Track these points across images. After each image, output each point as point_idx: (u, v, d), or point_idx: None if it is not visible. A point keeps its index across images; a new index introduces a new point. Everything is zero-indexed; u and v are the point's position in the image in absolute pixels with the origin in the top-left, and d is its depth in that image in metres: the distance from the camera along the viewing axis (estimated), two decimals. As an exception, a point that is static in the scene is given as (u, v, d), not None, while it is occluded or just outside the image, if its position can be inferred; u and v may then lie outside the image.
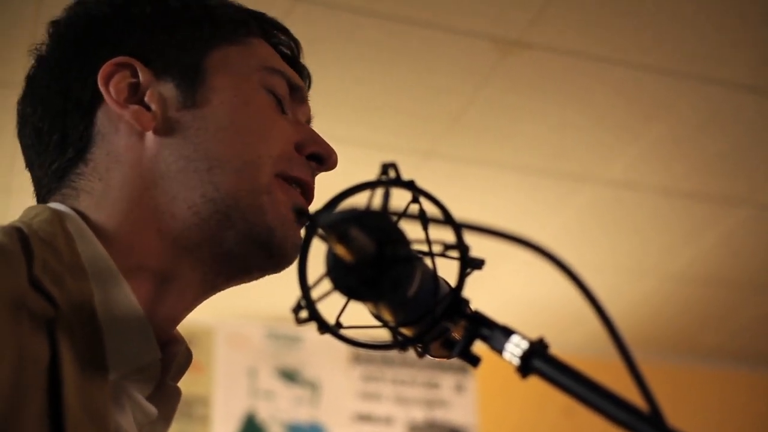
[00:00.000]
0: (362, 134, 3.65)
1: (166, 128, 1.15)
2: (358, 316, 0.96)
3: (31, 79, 1.23)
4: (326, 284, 0.86)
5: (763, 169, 4.09)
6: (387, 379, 5.22)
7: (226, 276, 1.18)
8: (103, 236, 1.10)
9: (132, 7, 1.22)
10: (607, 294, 4.85)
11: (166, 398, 1.14)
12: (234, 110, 1.17)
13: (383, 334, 0.92)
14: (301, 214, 0.84)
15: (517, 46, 3.25)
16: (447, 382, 5.32)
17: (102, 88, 1.16)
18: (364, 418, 5.11)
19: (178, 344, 1.17)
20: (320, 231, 0.84)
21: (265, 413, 4.92)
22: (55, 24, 1.23)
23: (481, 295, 4.69)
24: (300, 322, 0.85)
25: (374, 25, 3.11)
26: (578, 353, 3.68)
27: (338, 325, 0.91)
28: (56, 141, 1.17)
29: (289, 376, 5.05)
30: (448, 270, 0.93)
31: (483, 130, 3.70)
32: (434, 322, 0.89)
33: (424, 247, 0.91)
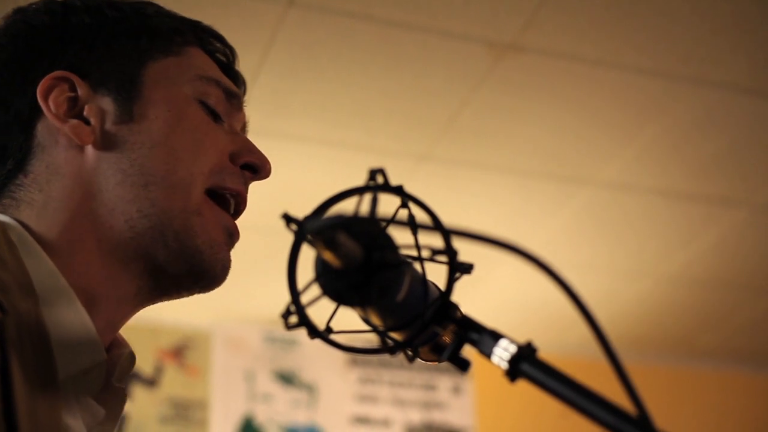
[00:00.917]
0: (357, 138, 3.66)
1: (104, 142, 1.17)
2: (349, 320, 0.96)
3: None
4: (316, 290, 0.86)
5: (759, 170, 4.10)
6: (384, 382, 5.22)
7: (159, 291, 1.20)
8: (45, 245, 1.12)
9: (70, 17, 1.23)
10: (604, 296, 4.86)
11: (113, 399, 1.16)
12: (168, 125, 1.19)
13: (374, 338, 0.93)
14: (290, 220, 0.85)
15: (510, 50, 3.25)
16: (444, 384, 5.33)
17: (41, 102, 1.18)
18: (362, 420, 5.11)
19: (121, 347, 1.20)
20: (309, 237, 0.84)
21: (263, 416, 4.92)
22: None
23: (476, 298, 4.71)
24: (289, 327, 0.86)
25: (368, 29, 3.12)
26: (573, 355, 3.69)
27: (328, 330, 0.92)
28: None
29: (287, 379, 5.05)
30: (438, 275, 0.93)
31: (478, 133, 3.70)
32: (423, 326, 0.90)
33: (413, 252, 0.91)
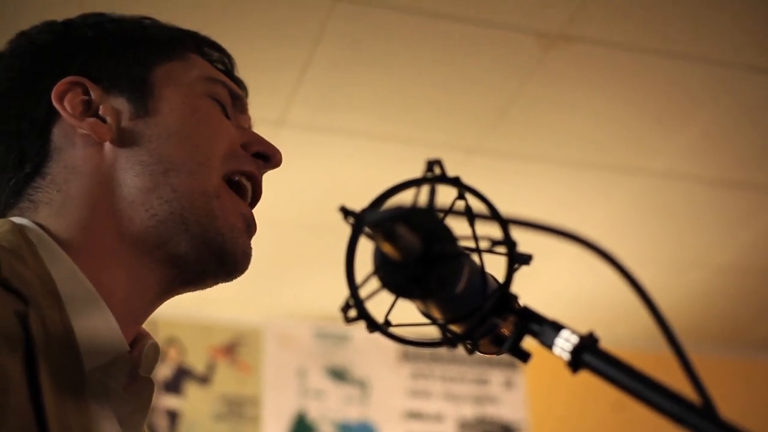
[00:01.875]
0: (407, 132, 3.65)
1: (121, 138, 1.22)
2: (407, 313, 0.96)
3: None
4: (374, 283, 0.86)
5: (810, 158, 4.06)
6: (436, 377, 5.22)
7: (181, 281, 1.23)
8: (65, 243, 1.16)
9: (73, 32, 1.29)
10: (653, 287, 4.77)
11: (141, 390, 1.18)
12: (183, 116, 1.24)
13: (432, 332, 0.92)
14: (348, 213, 0.85)
15: (560, 40, 3.24)
16: (496, 378, 5.32)
17: (57, 105, 1.22)
18: (414, 415, 5.11)
19: (145, 339, 1.22)
20: (367, 229, 0.84)
21: (315, 412, 4.94)
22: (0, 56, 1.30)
23: (531, 290, 4.69)
24: (349, 321, 0.85)
25: (417, 22, 3.11)
26: (628, 347, 3.66)
27: (387, 323, 0.92)
28: (14, 159, 1.23)
29: (339, 375, 5.06)
30: (496, 266, 0.93)
31: (528, 125, 3.69)
32: (483, 318, 0.89)
33: (471, 244, 0.91)
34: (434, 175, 0.88)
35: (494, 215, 0.87)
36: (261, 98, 3.24)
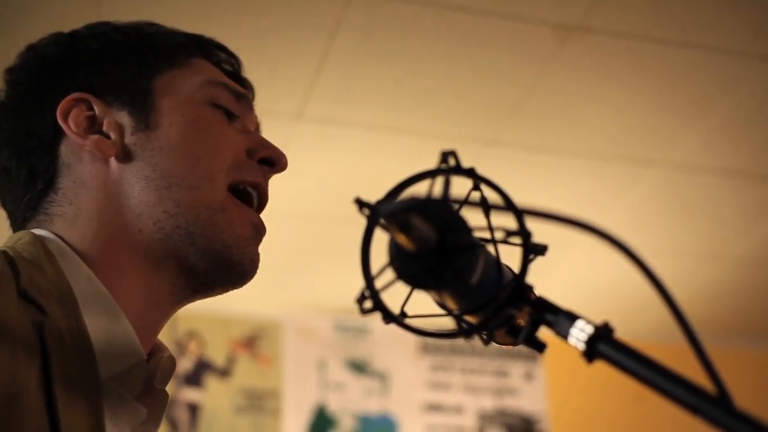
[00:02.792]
0: (424, 124, 3.65)
1: (125, 153, 1.24)
2: (423, 304, 0.96)
3: None
4: (390, 274, 0.86)
5: (832, 147, 4.04)
6: (456, 369, 5.22)
7: (192, 289, 1.24)
8: (81, 253, 1.18)
9: (78, 45, 1.31)
10: (675, 279, 4.81)
11: (155, 401, 1.20)
12: (183, 129, 1.25)
13: (448, 323, 0.92)
14: (363, 205, 0.85)
15: (576, 32, 3.23)
16: (516, 370, 5.32)
17: (62, 124, 1.25)
18: (435, 407, 5.12)
19: (161, 351, 1.24)
20: (382, 221, 0.84)
21: (335, 405, 4.95)
22: (10, 71, 1.32)
23: (548, 281, 4.68)
24: (364, 312, 0.86)
25: (433, 14, 3.11)
26: (645, 338, 3.65)
27: (403, 314, 0.92)
28: (24, 176, 1.26)
29: (359, 367, 5.06)
30: (512, 257, 0.93)
31: (545, 116, 3.68)
32: (498, 308, 0.89)
33: (487, 235, 0.91)
34: (449, 166, 0.88)
35: (509, 206, 0.87)
36: (279, 92, 3.25)
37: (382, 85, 3.43)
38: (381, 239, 0.86)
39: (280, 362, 4.92)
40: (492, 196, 0.89)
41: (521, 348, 0.94)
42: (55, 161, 1.25)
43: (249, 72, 1.42)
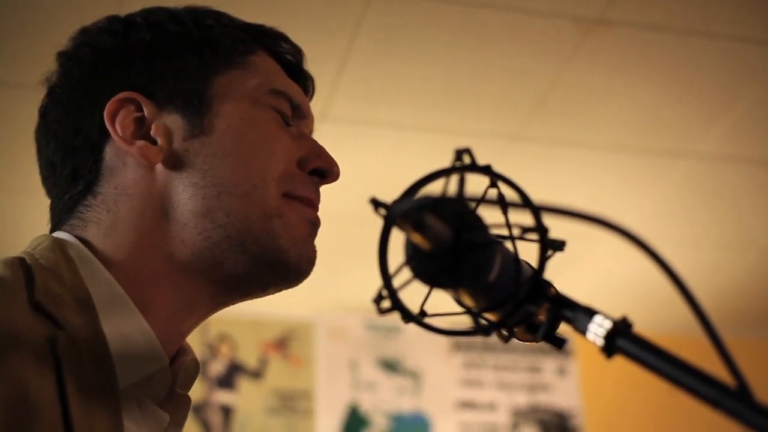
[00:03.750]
0: (447, 121, 3.65)
1: (173, 159, 1.19)
2: (444, 302, 0.96)
3: (44, 113, 1.28)
4: (407, 273, 0.86)
5: None
6: (488, 366, 5.22)
7: (240, 293, 1.22)
8: (110, 263, 1.14)
9: (132, 35, 1.25)
10: (706, 270, 4.79)
11: (177, 406, 1.18)
12: (240, 134, 1.21)
13: (468, 320, 0.92)
14: (378, 205, 0.85)
15: (598, 24, 3.22)
16: (549, 366, 5.31)
17: (108, 126, 1.20)
18: (468, 405, 5.12)
19: (186, 354, 1.21)
20: (397, 220, 0.84)
21: (368, 404, 4.95)
22: (62, 55, 1.27)
23: (571, 277, 4.67)
24: (382, 312, 0.86)
25: (454, 11, 3.11)
26: (670, 332, 3.64)
27: (422, 313, 0.91)
28: (68, 174, 1.22)
29: (391, 366, 5.07)
30: (531, 254, 0.93)
31: (569, 110, 3.67)
32: (517, 305, 0.89)
33: (504, 232, 0.90)
34: (464, 164, 0.88)
35: (525, 202, 0.87)
36: (302, 93, 3.25)
37: (404, 84, 3.43)
38: (399, 238, 0.86)
39: (311, 363, 4.93)
40: (510, 193, 0.89)
41: (554, 344, 0.94)
42: (99, 163, 1.21)
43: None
